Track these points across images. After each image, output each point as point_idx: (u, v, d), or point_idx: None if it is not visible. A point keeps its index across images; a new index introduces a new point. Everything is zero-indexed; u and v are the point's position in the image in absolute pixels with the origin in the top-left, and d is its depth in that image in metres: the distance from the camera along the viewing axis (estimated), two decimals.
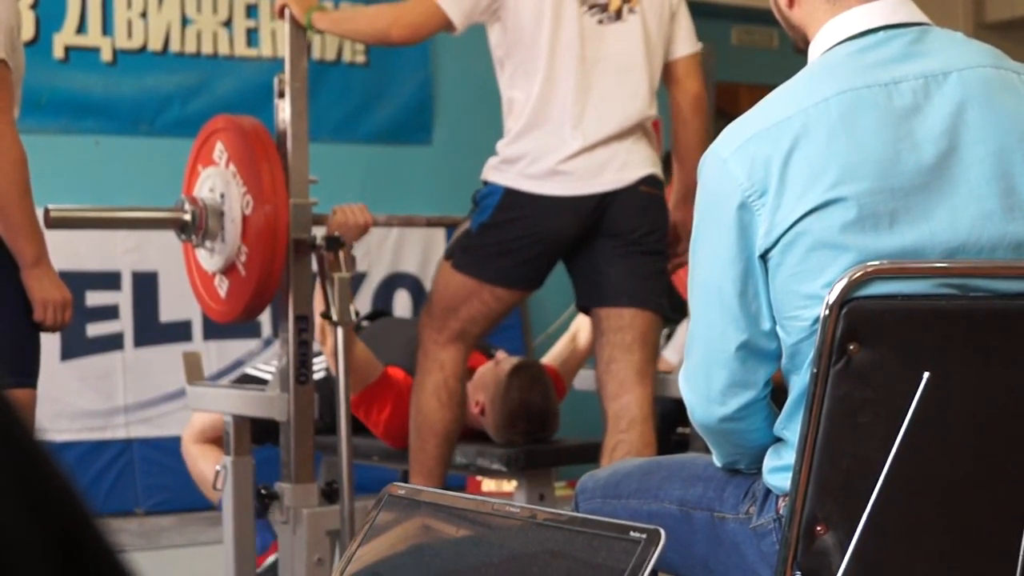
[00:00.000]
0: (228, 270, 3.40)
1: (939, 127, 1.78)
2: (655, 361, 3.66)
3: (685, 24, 3.71)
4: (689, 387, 1.94)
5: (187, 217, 3.40)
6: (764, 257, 1.80)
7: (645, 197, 3.56)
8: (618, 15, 3.55)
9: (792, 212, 1.76)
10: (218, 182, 3.39)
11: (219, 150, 3.42)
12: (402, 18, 3.54)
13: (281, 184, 3.30)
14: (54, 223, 3.26)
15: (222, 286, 3.45)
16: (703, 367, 1.90)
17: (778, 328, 1.84)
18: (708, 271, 1.87)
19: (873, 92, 1.79)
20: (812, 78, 1.85)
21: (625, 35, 3.56)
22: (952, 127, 1.78)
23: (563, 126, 3.49)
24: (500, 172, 3.55)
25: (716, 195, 1.84)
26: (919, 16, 1.89)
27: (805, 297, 1.77)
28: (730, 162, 1.81)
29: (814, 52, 1.92)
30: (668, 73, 3.70)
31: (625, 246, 3.55)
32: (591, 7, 3.53)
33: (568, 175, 3.49)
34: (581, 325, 4.29)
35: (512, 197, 3.52)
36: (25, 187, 3.08)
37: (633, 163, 3.55)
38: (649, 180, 3.57)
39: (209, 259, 3.45)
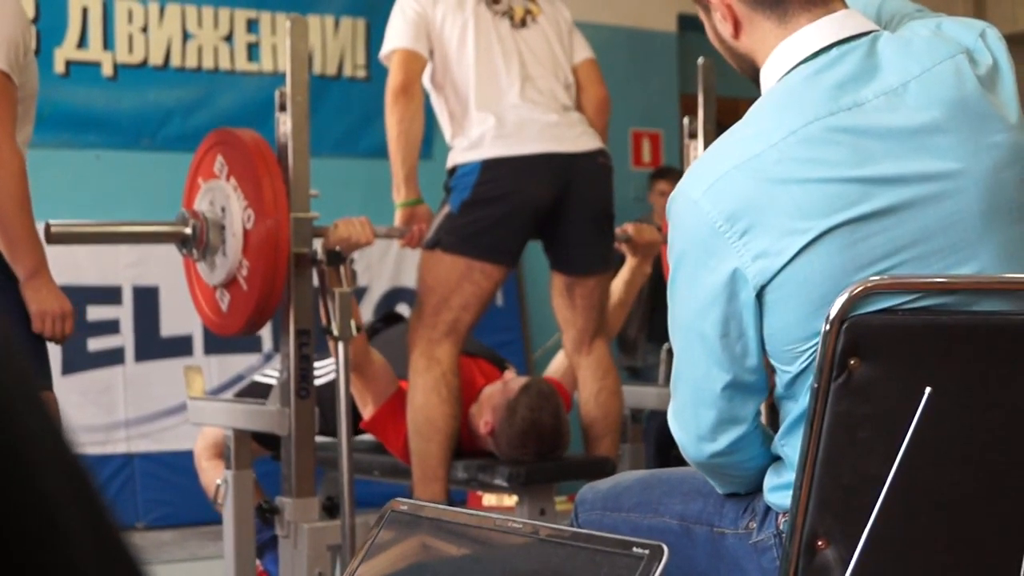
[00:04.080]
0: (229, 284, 3.40)
1: (911, 141, 1.77)
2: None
3: (579, 37, 4.12)
4: (678, 426, 1.92)
5: (188, 231, 3.40)
6: (760, 295, 1.78)
7: (603, 169, 3.91)
8: (523, 23, 3.93)
9: (783, 251, 1.73)
10: (219, 196, 3.39)
11: (219, 163, 3.42)
12: (390, 80, 3.88)
13: (283, 197, 3.30)
14: (55, 239, 3.25)
15: (223, 300, 3.45)
16: (691, 406, 1.88)
17: (773, 361, 1.83)
18: (688, 313, 1.83)
19: (838, 118, 1.76)
20: (774, 108, 1.81)
21: (534, 37, 3.94)
22: (924, 138, 1.78)
23: (515, 105, 3.82)
24: (472, 151, 3.79)
25: (690, 236, 1.80)
26: (867, 25, 1.85)
27: (809, 330, 1.75)
28: (702, 203, 1.77)
29: (768, 78, 1.87)
30: (575, 80, 4.05)
31: (589, 219, 3.89)
32: (501, 14, 3.90)
33: (539, 137, 3.79)
34: None
35: (490, 167, 3.75)
36: (24, 199, 3.08)
37: (589, 135, 3.92)
38: (604, 153, 3.94)
39: (210, 273, 3.44)
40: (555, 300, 4.05)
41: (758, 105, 1.84)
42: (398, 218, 3.93)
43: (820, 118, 1.76)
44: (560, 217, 3.84)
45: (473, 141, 3.79)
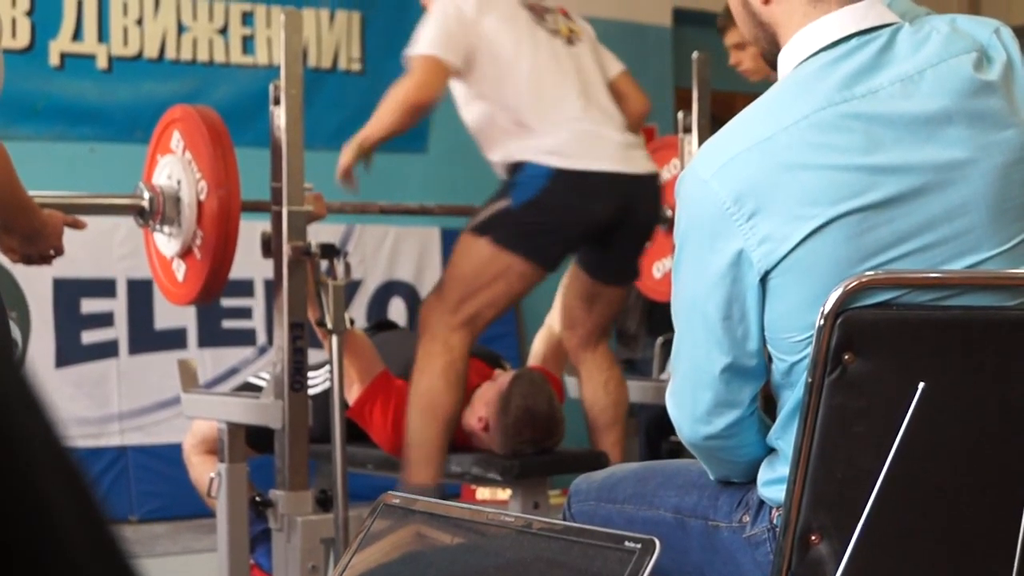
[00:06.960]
0: (185, 254, 3.46)
1: (922, 130, 1.78)
2: None
3: (607, 51, 4.15)
4: (675, 405, 1.93)
5: (145, 204, 3.44)
6: (763, 280, 1.78)
7: (658, 191, 3.96)
8: (570, 41, 3.95)
9: (788, 237, 1.73)
10: (175, 169, 3.44)
11: (176, 139, 3.48)
12: (414, 84, 3.74)
13: (234, 170, 3.35)
14: None
15: (179, 270, 3.51)
16: (688, 387, 1.89)
17: (771, 348, 1.83)
18: (691, 293, 1.84)
19: (851, 105, 1.77)
20: (788, 95, 1.81)
21: (583, 55, 3.96)
22: (935, 127, 1.78)
23: (583, 120, 3.81)
24: (547, 155, 3.75)
25: (698, 216, 1.81)
26: (889, 16, 1.85)
27: (810, 319, 1.75)
28: (711, 183, 1.78)
29: (786, 63, 1.88)
30: (613, 92, 4.06)
31: (636, 236, 3.94)
32: (552, 32, 3.91)
33: (610, 156, 3.79)
34: (554, 316, 4.32)
35: (562, 177, 3.73)
36: (15, 175, 3.07)
37: (647, 156, 3.97)
38: (659, 175, 3.99)
39: (167, 244, 3.51)
40: (570, 299, 4.05)
41: (772, 90, 1.85)
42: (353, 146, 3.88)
43: (834, 104, 1.77)
44: (611, 232, 3.85)
45: (548, 148, 3.75)
